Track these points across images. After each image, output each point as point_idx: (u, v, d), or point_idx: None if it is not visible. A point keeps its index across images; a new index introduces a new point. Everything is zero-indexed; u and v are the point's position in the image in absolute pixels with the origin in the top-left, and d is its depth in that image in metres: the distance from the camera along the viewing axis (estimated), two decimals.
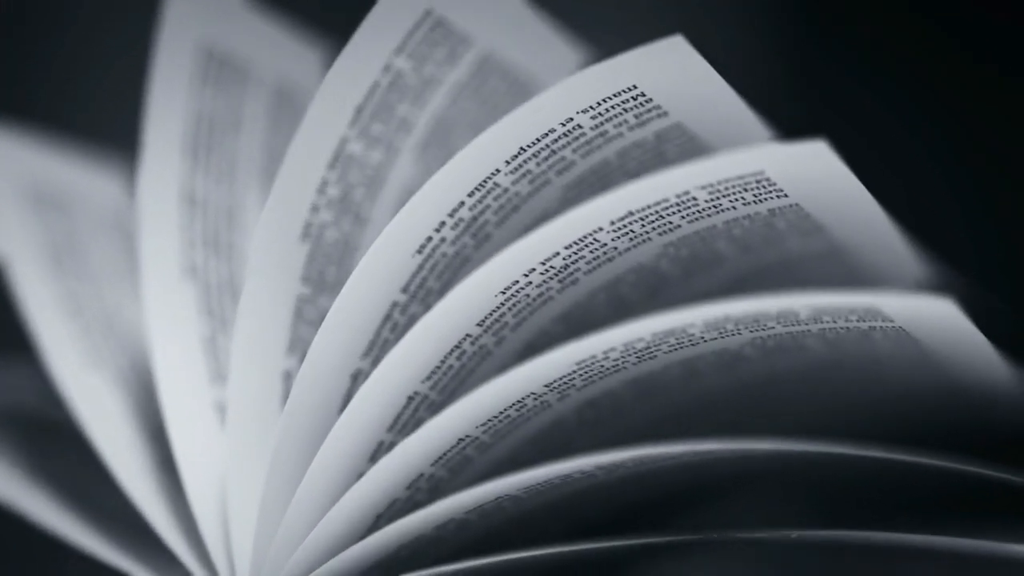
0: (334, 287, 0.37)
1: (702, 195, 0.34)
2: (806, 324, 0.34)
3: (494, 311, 0.35)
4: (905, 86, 0.59)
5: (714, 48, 0.35)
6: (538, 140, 0.35)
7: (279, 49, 0.42)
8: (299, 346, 0.37)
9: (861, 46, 0.60)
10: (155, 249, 0.39)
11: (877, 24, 0.60)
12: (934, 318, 0.34)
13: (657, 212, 0.34)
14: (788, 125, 0.38)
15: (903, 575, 0.37)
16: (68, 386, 0.40)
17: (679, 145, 0.36)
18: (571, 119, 0.35)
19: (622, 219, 0.34)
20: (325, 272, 0.37)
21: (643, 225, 0.35)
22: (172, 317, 0.38)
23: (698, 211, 0.35)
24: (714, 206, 0.35)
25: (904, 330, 0.35)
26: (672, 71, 0.34)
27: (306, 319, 0.37)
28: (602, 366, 0.34)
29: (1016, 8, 0.57)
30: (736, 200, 0.35)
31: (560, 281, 0.35)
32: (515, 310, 0.35)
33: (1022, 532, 0.36)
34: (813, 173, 0.34)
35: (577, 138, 0.35)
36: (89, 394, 0.40)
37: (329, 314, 0.34)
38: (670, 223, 0.35)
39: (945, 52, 0.58)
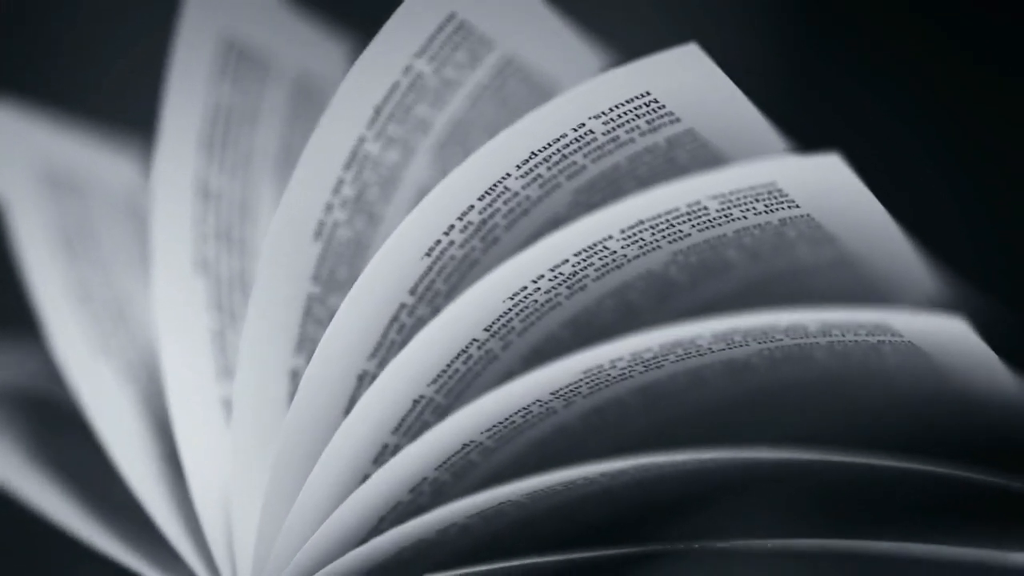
0: (344, 286, 0.37)
1: (713, 204, 0.34)
2: (815, 337, 0.34)
3: (501, 316, 0.34)
4: (905, 86, 0.59)
5: (717, 49, 0.34)
6: (550, 145, 0.35)
7: (302, 42, 0.42)
8: (307, 345, 0.36)
9: (861, 46, 0.60)
10: (167, 243, 0.38)
11: (877, 24, 0.60)
12: (945, 335, 0.33)
13: (667, 221, 0.34)
14: (791, 128, 0.37)
15: None
16: (74, 373, 0.40)
17: (690, 151, 0.36)
18: (583, 124, 0.35)
19: (632, 227, 0.34)
20: (336, 271, 0.37)
21: (653, 234, 0.34)
22: (181, 311, 0.38)
23: (709, 220, 0.35)
24: (725, 215, 0.35)
25: (913, 344, 0.35)
26: (686, 78, 0.34)
27: (315, 318, 0.36)
28: (609, 375, 0.34)
29: (1016, 8, 0.57)
30: (747, 210, 0.35)
31: (569, 287, 0.35)
32: (522, 315, 0.35)
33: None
34: (826, 186, 0.34)
35: (589, 143, 0.35)
36: (95, 382, 0.40)
37: (337, 315, 0.34)
38: (680, 232, 0.35)
39: (945, 52, 0.58)
